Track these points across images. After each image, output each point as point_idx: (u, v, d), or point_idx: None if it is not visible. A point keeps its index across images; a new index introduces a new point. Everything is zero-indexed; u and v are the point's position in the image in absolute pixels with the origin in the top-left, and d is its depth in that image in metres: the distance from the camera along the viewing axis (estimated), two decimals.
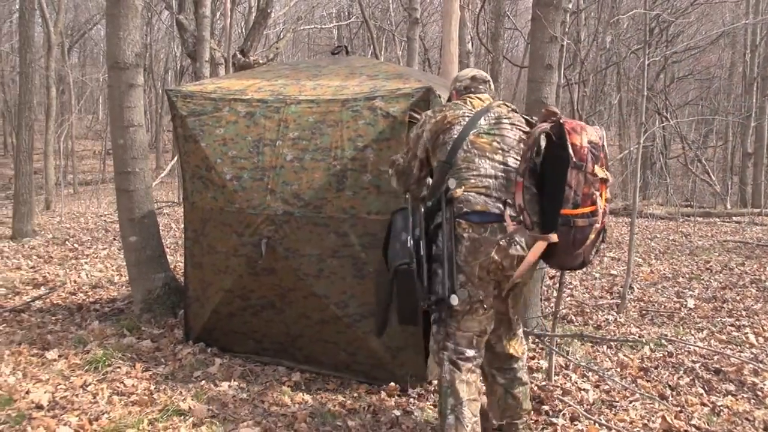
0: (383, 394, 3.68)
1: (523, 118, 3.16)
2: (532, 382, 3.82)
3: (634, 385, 3.96)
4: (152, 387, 3.64)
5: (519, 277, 2.90)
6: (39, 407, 3.29)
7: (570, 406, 3.57)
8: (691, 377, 4.12)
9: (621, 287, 6.05)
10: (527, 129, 3.08)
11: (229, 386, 3.67)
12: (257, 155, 3.84)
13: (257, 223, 3.77)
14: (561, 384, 3.90)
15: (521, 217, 2.84)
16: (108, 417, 3.23)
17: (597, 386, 3.93)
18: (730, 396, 3.87)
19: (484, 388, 3.27)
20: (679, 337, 4.92)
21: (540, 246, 2.83)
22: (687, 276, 7.19)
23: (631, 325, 5.25)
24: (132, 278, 5.01)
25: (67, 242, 8.63)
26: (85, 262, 7.25)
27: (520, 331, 3.20)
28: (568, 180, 2.77)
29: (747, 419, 3.57)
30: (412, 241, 2.87)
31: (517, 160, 2.95)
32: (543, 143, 3.01)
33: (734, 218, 12.81)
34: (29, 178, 9.39)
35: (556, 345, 4.26)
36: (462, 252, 2.83)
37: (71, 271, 6.74)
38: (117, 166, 4.97)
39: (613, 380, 3.98)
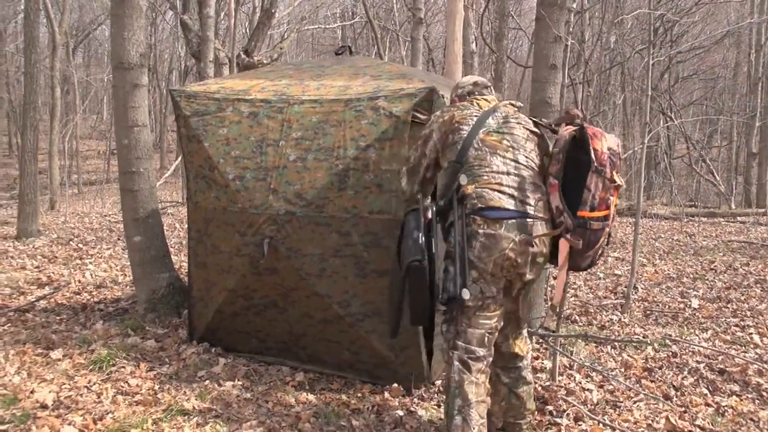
0: (387, 394, 3.68)
1: (530, 119, 3.21)
2: (536, 383, 3.81)
3: (638, 385, 3.95)
4: (156, 387, 3.64)
5: (559, 297, 2.97)
6: (43, 407, 3.30)
7: (574, 406, 3.57)
8: (695, 377, 4.11)
9: (625, 287, 6.04)
10: (534, 129, 3.14)
11: (233, 386, 3.67)
12: (260, 155, 3.85)
13: (259, 222, 3.78)
14: (565, 384, 3.89)
15: (561, 219, 2.91)
16: (112, 416, 3.24)
17: (601, 386, 3.92)
18: (734, 396, 3.86)
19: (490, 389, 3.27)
20: (683, 337, 4.91)
21: (566, 248, 2.91)
22: (691, 276, 7.18)
23: (636, 325, 5.24)
24: (136, 278, 5.02)
25: (71, 242, 8.66)
26: (90, 262, 7.26)
27: (524, 330, 3.21)
28: (587, 183, 2.86)
29: (751, 419, 3.56)
30: (423, 238, 2.86)
31: (526, 158, 3.00)
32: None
33: (739, 218, 12.78)
34: (34, 178, 9.42)
35: (561, 345, 4.26)
36: (476, 248, 2.83)
37: (76, 271, 6.76)
38: (121, 166, 4.98)
39: (617, 380, 3.98)
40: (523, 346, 3.18)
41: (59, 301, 5.52)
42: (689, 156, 19.48)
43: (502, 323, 3.00)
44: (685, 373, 4.18)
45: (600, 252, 3.03)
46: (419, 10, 10.84)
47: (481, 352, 2.89)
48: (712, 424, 3.46)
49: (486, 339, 2.91)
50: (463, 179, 2.90)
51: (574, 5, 5.00)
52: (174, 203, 12.91)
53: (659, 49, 17.32)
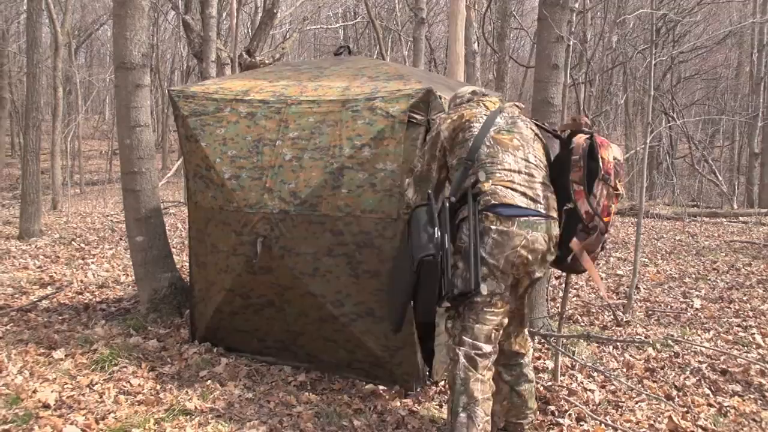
0: (387, 396, 3.68)
1: (534, 122, 3.28)
2: (537, 383, 3.81)
3: (640, 385, 3.95)
4: (158, 386, 3.65)
5: (604, 289, 3.05)
6: (46, 406, 3.31)
7: (576, 406, 3.57)
8: (697, 378, 4.11)
9: (627, 287, 6.04)
10: (537, 130, 3.22)
11: (235, 386, 3.67)
12: (256, 155, 3.86)
13: (254, 221, 3.78)
14: (567, 384, 3.89)
15: (593, 223, 3.00)
16: (114, 416, 3.25)
17: (603, 386, 3.92)
18: (736, 397, 3.86)
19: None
20: (685, 337, 4.91)
21: (581, 248, 3.04)
22: (693, 276, 7.17)
23: (638, 325, 5.23)
24: (138, 278, 5.02)
25: (73, 242, 8.67)
26: (92, 262, 7.27)
27: (526, 328, 3.23)
28: (594, 190, 3.00)
29: (754, 420, 3.56)
30: (440, 234, 2.85)
31: (535, 157, 3.06)
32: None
33: (741, 218, 12.75)
34: (36, 178, 9.42)
35: (562, 345, 4.26)
36: (488, 244, 2.84)
37: (78, 271, 6.77)
38: (123, 166, 4.98)
39: (619, 381, 3.98)
40: (524, 344, 3.21)
41: (61, 301, 5.52)
42: (691, 156, 19.46)
43: (506, 320, 3.01)
44: (687, 373, 4.18)
45: (594, 257, 3.14)
46: (421, 10, 10.83)
47: (487, 348, 2.89)
48: (714, 425, 3.46)
49: (493, 335, 2.92)
50: (482, 176, 2.92)
51: (576, 5, 5.00)
52: (176, 203, 12.92)
53: (661, 49, 17.30)
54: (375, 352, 3.71)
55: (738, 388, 3.99)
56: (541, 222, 2.91)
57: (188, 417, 3.29)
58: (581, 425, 3.40)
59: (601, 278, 7.01)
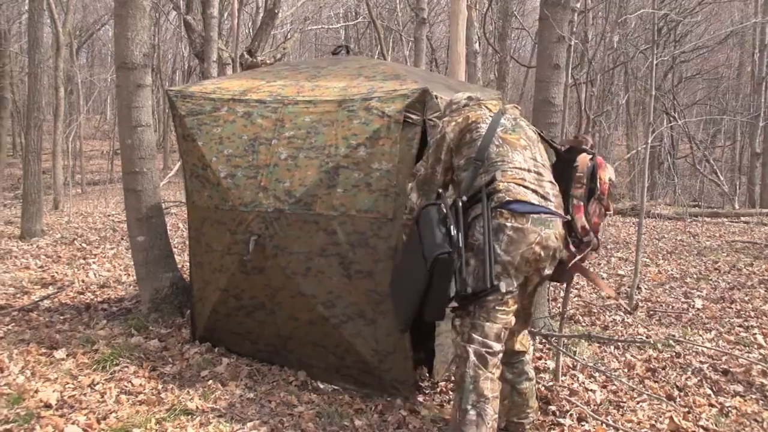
0: (385, 397, 3.68)
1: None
2: (539, 383, 3.82)
3: (641, 385, 3.95)
4: (160, 386, 3.65)
5: (610, 290, 3.25)
6: (47, 406, 3.31)
7: (577, 406, 3.57)
8: (699, 378, 4.11)
9: (629, 287, 6.04)
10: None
11: (236, 386, 3.67)
12: (252, 153, 3.85)
13: (249, 220, 3.78)
14: (568, 384, 3.89)
15: (588, 237, 3.14)
16: (116, 416, 3.25)
17: (604, 387, 3.92)
18: (738, 397, 3.86)
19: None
20: (687, 337, 4.91)
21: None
22: (695, 276, 7.17)
23: (639, 325, 5.23)
24: (140, 278, 5.03)
25: (75, 242, 8.67)
26: (93, 262, 7.28)
27: (528, 327, 3.28)
28: (588, 208, 3.14)
29: (755, 420, 3.56)
30: (456, 231, 2.85)
31: (541, 156, 3.13)
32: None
33: (742, 218, 12.74)
34: (38, 178, 9.43)
35: (564, 345, 4.26)
36: (503, 241, 2.85)
37: (79, 271, 6.78)
38: (125, 166, 4.98)
39: (620, 381, 3.97)
40: (525, 342, 3.24)
41: (63, 301, 5.53)
42: (693, 156, 19.45)
43: (514, 319, 3.01)
44: (689, 373, 4.18)
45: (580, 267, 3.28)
46: (422, 10, 10.82)
47: (497, 347, 2.90)
48: (716, 425, 3.46)
49: (502, 334, 2.93)
50: (498, 174, 2.94)
51: (578, 5, 5.00)
52: (177, 203, 12.92)
53: (663, 48, 17.29)
54: (364, 357, 3.67)
55: (740, 388, 3.99)
56: (553, 219, 2.94)
57: (190, 417, 3.29)
58: (582, 425, 3.40)
59: (602, 278, 7.01)
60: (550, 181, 3.06)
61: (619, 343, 4.64)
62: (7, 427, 3.07)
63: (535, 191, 2.94)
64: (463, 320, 2.92)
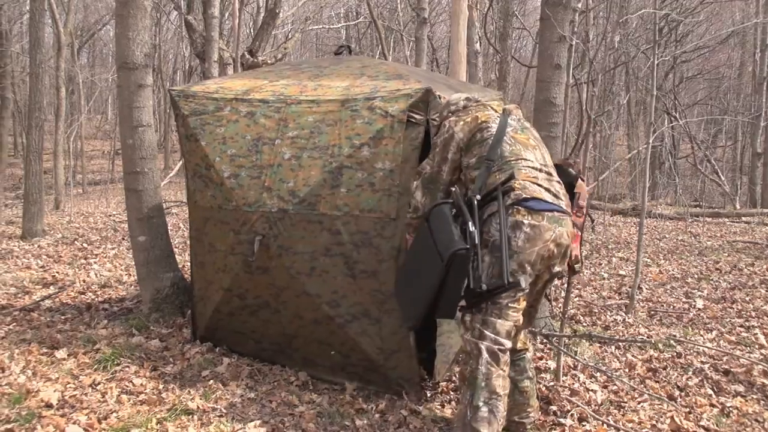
0: (390, 394, 3.68)
1: None
2: (539, 383, 3.81)
3: (642, 385, 3.95)
4: (161, 386, 3.65)
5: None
6: (48, 406, 3.31)
7: (578, 406, 3.57)
8: (700, 378, 4.11)
9: (630, 287, 6.03)
10: None
11: (237, 385, 3.68)
12: (256, 153, 3.86)
13: (253, 220, 3.78)
14: (569, 384, 3.89)
15: (577, 267, 3.20)
16: (117, 416, 3.25)
17: (605, 387, 3.92)
18: (739, 397, 3.86)
19: None
20: (687, 337, 4.90)
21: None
22: (696, 276, 7.16)
23: (640, 325, 5.23)
24: (141, 278, 5.03)
25: (76, 242, 8.68)
26: (94, 262, 7.28)
27: (531, 325, 3.30)
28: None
29: (756, 420, 3.55)
30: (473, 228, 2.85)
31: (548, 156, 3.20)
32: None
33: (743, 218, 12.74)
34: (39, 177, 9.44)
35: (565, 345, 4.25)
36: (520, 239, 2.86)
37: (80, 271, 6.78)
38: (126, 166, 4.99)
39: (621, 381, 3.97)
40: (526, 340, 3.26)
41: (64, 301, 5.53)
42: (694, 156, 19.44)
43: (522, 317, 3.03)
44: (690, 373, 4.17)
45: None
46: (423, 9, 10.82)
47: (508, 344, 2.91)
48: (717, 425, 3.46)
49: (512, 331, 2.94)
50: (515, 172, 2.96)
51: (579, 5, 5.00)
52: (178, 203, 12.92)
53: (664, 48, 17.28)
54: (370, 355, 3.68)
55: (741, 388, 3.98)
56: (564, 218, 2.97)
57: (190, 417, 3.29)
58: (583, 425, 3.40)
59: (603, 278, 7.01)
60: (558, 181, 3.10)
61: (620, 343, 4.64)
62: (9, 426, 3.08)
63: (547, 189, 2.97)
64: (474, 317, 2.91)
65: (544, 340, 4.51)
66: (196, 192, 4.14)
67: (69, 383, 3.61)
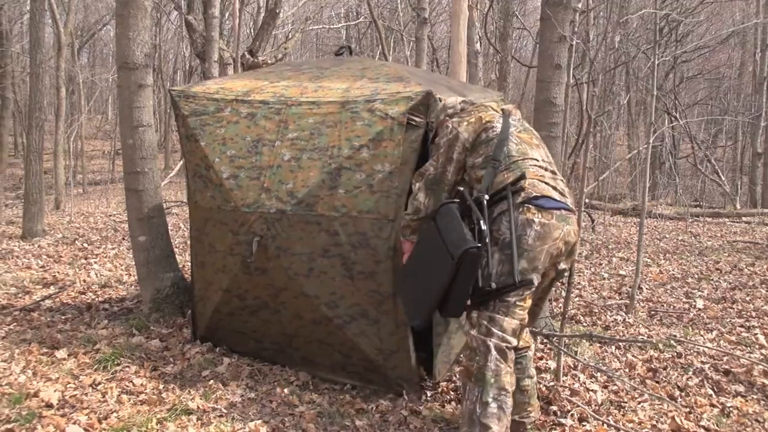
0: (391, 394, 3.68)
1: None
2: (540, 383, 3.81)
3: (642, 385, 3.95)
4: (161, 386, 3.65)
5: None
6: (49, 406, 3.31)
7: (578, 406, 3.57)
8: (700, 378, 4.11)
9: (630, 287, 6.03)
10: None
11: (237, 385, 3.68)
12: (255, 155, 3.86)
13: (251, 221, 3.78)
14: (569, 384, 3.89)
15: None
16: (117, 416, 3.25)
17: (605, 387, 3.92)
18: (739, 397, 3.86)
19: None
20: (688, 337, 4.90)
21: None
22: (696, 276, 7.16)
23: (640, 325, 5.23)
24: (141, 278, 5.03)
25: (76, 242, 8.68)
26: (95, 262, 7.28)
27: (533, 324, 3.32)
28: None
29: (757, 420, 3.55)
30: (485, 227, 2.85)
31: (548, 154, 3.23)
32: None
33: (744, 218, 12.73)
34: (39, 177, 9.43)
35: (565, 345, 4.25)
36: (531, 236, 2.87)
37: (81, 271, 6.78)
38: (126, 166, 4.99)
39: (621, 381, 3.97)
40: (527, 338, 3.26)
41: (64, 301, 5.53)
42: (694, 156, 19.44)
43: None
44: (690, 373, 4.18)
45: None
46: (424, 10, 10.82)
47: (514, 342, 2.92)
48: (717, 425, 3.46)
49: (519, 330, 2.94)
50: (525, 171, 2.97)
51: (579, 5, 5.00)
52: (178, 203, 12.92)
53: (664, 48, 17.28)
54: (369, 356, 3.69)
55: (741, 388, 3.98)
56: (571, 216, 2.99)
57: (190, 417, 3.29)
58: (584, 425, 3.40)
59: (603, 278, 7.01)
60: (562, 179, 3.13)
61: (621, 343, 4.64)
62: (9, 426, 3.08)
63: (554, 188, 3.00)
64: (481, 313, 2.91)
65: (544, 340, 4.51)
66: (196, 192, 4.14)
67: (69, 383, 3.61)
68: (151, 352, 4.17)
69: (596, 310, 5.62)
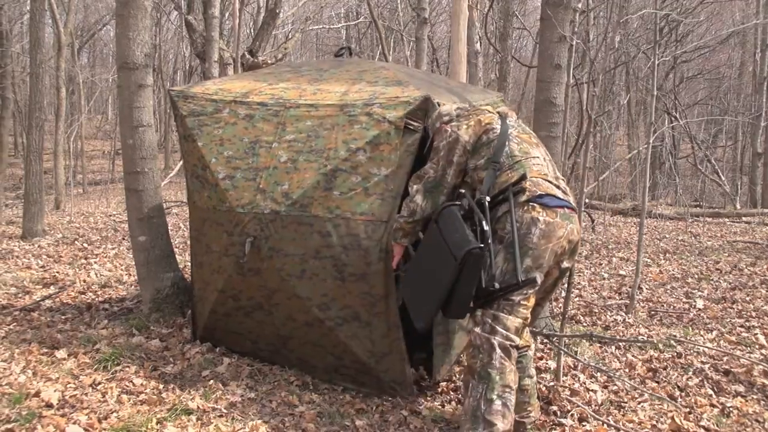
0: (385, 396, 3.68)
1: None
2: (540, 383, 3.81)
3: (642, 385, 3.95)
4: (161, 386, 3.65)
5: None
6: (49, 406, 3.31)
7: (578, 406, 3.57)
8: (700, 378, 4.11)
9: (630, 287, 6.03)
10: None
11: (237, 385, 3.68)
12: (252, 156, 3.85)
13: (245, 222, 3.77)
14: (569, 384, 3.89)
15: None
16: (117, 416, 3.25)
17: (605, 387, 3.92)
18: (739, 397, 3.86)
19: None
20: (688, 337, 4.90)
21: None
22: (696, 276, 7.16)
23: (640, 325, 5.23)
24: (141, 278, 5.03)
25: (76, 242, 8.68)
26: (95, 262, 7.28)
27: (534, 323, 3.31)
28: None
29: (757, 420, 3.55)
30: (487, 227, 2.86)
31: (548, 153, 3.25)
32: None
33: (744, 218, 12.73)
34: (39, 177, 9.44)
35: (565, 345, 4.25)
36: (535, 235, 2.88)
37: (81, 271, 6.78)
38: (126, 166, 4.99)
39: (621, 381, 3.97)
40: (527, 337, 3.26)
41: (64, 301, 5.53)
42: (694, 156, 19.43)
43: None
44: (690, 373, 4.18)
45: None
46: (424, 10, 10.81)
47: (517, 340, 2.93)
48: (717, 425, 3.46)
49: (522, 329, 2.95)
50: (527, 171, 2.98)
51: (579, 5, 5.00)
52: (178, 203, 12.92)
53: (664, 48, 17.28)
54: (361, 358, 3.67)
55: (741, 388, 3.98)
56: (573, 215, 3.01)
57: (190, 417, 3.29)
58: (584, 425, 3.40)
59: (603, 278, 7.01)
60: (563, 179, 3.15)
61: (621, 343, 4.64)
62: (9, 426, 3.07)
63: (557, 186, 3.02)
64: (485, 312, 2.92)
65: (544, 340, 4.51)
66: (194, 192, 4.14)
67: (69, 383, 3.61)
68: (151, 352, 4.16)
69: (596, 310, 5.62)
